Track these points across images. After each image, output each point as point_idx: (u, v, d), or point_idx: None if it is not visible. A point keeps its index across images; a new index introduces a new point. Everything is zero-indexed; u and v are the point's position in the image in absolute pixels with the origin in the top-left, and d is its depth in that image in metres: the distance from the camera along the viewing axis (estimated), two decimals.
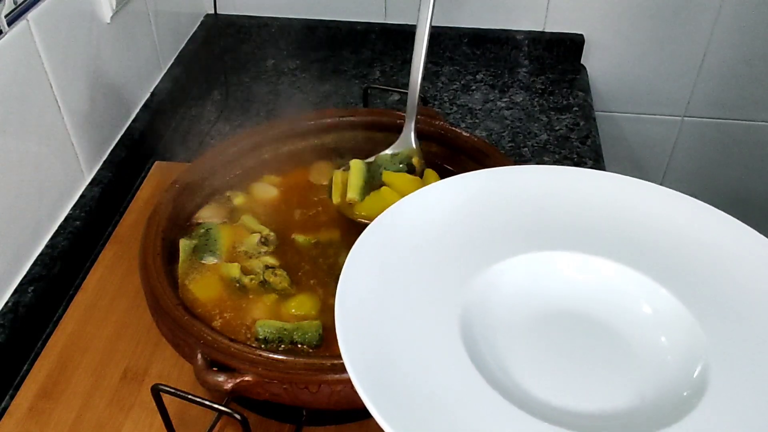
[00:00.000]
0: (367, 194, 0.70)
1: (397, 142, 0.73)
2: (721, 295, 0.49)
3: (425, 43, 0.68)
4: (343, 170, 0.72)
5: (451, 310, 0.47)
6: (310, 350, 0.57)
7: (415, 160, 0.72)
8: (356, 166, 0.71)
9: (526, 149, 0.96)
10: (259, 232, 0.66)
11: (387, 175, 0.70)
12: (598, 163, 0.95)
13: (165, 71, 1.03)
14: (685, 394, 0.44)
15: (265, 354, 0.52)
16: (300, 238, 0.67)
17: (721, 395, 0.42)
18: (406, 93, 0.72)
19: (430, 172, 0.72)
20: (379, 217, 0.54)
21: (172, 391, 0.52)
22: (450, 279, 0.49)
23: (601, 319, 0.50)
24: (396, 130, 0.75)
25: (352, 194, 0.69)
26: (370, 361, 0.43)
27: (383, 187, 0.69)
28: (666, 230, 0.54)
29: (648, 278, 0.50)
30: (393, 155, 0.72)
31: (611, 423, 0.43)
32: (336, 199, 0.69)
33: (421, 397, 0.41)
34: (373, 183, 0.70)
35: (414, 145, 0.72)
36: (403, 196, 0.62)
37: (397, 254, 0.51)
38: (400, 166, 0.71)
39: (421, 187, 0.65)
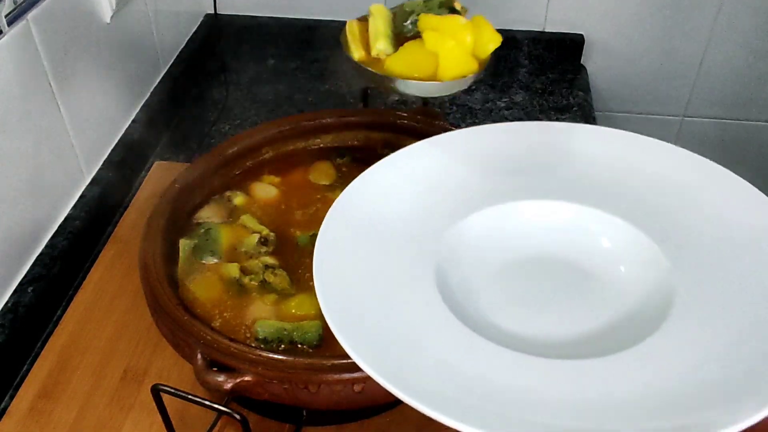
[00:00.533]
0: (397, 48, 0.57)
1: None
2: (683, 222, 0.52)
3: None
4: (358, 20, 0.59)
5: (426, 262, 0.50)
6: (310, 350, 0.57)
7: (456, 4, 0.60)
8: (379, 10, 0.57)
9: None
10: (259, 232, 0.66)
11: (427, 20, 0.56)
12: None
13: (165, 71, 1.03)
14: (648, 317, 0.47)
15: (265, 354, 0.52)
16: (299, 233, 0.67)
17: (684, 317, 0.45)
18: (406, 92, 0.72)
19: (480, 18, 0.59)
20: (350, 184, 0.55)
21: (172, 391, 0.52)
22: (423, 235, 0.52)
23: (566, 257, 0.54)
24: (396, 131, 0.75)
25: (382, 44, 0.56)
26: (348, 310, 0.45)
27: (425, 33, 0.56)
28: (621, 168, 0.56)
29: (605, 213, 0.54)
30: (425, 0, 0.59)
31: (578, 348, 0.46)
32: (357, 52, 0.57)
33: (400, 340, 0.44)
34: (399, 37, 0.57)
35: None
36: (449, 42, 0.53)
37: (370, 217, 0.53)
38: (440, 11, 0.58)
39: (472, 31, 0.56)
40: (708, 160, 0.56)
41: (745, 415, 0.37)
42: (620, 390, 0.41)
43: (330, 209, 0.53)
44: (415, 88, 0.59)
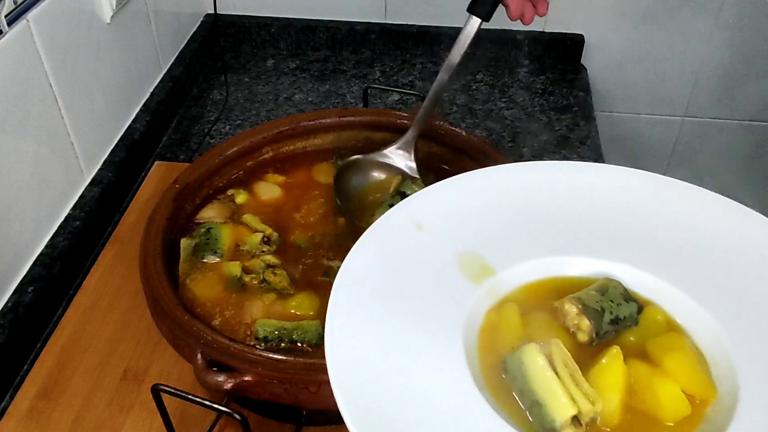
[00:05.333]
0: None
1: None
2: (738, 288, 0.46)
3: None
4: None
5: (454, 339, 0.44)
6: (310, 350, 0.57)
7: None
8: (558, 346, 0.44)
9: (526, 149, 0.96)
10: (262, 232, 0.66)
11: (669, 358, 0.44)
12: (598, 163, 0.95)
13: (165, 71, 1.03)
14: (713, 411, 0.41)
15: (265, 354, 0.52)
16: (300, 237, 0.67)
17: (757, 399, 0.40)
18: (406, 93, 0.72)
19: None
20: (359, 241, 0.48)
21: (172, 391, 0.52)
22: (452, 292, 0.46)
23: None
24: (396, 131, 0.75)
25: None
26: (368, 404, 0.40)
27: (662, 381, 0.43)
28: (676, 225, 0.51)
29: (663, 281, 0.47)
30: (603, 293, 0.48)
31: None
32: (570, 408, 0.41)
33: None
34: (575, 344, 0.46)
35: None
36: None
37: (390, 273, 0.47)
38: (627, 306, 0.48)
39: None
40: (747, 208, 0.50)
41: None
42: None
43: (334, 284, 0.46)
44: None
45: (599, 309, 0.45)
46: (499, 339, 0.45)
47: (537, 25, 1.13)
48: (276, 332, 0.57)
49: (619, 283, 0.47)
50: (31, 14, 0.70)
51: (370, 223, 0.50)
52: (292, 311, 0.60)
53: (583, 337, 0.46)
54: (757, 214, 0.50)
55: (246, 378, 0.51)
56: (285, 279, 0.62)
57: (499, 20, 1.13)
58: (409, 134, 0.72)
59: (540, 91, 1.08)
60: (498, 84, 1.10)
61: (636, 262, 0.48)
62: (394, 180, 0.72)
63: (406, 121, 0.75)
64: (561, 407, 0.40)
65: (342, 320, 0.44)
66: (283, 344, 0.57)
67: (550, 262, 0.49)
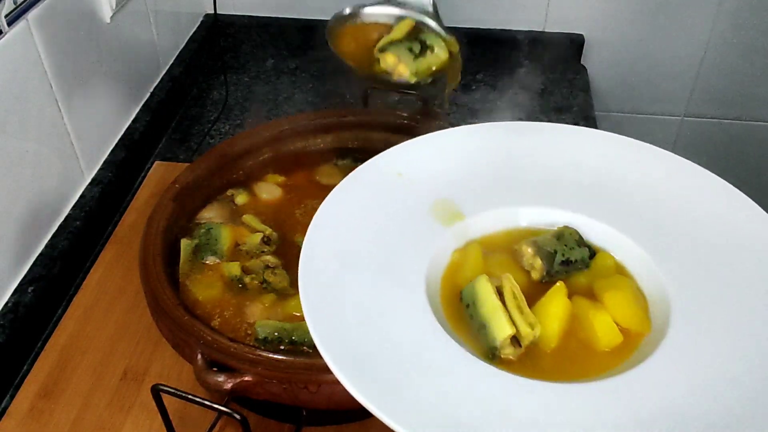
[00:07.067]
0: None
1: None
2: (683, 240, 0.51)
3: None
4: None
5: (419, 271, 0.48)
6: (310, 350, 0.57)
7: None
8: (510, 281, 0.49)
9: None
10: (262, 232, 0.66)
11: (608, 295, 0.49)
12: None
13: (165, 71, 1.03)
14: (647, 336, 0.46)
15: (265, 354, 0.52)
16: (300, 237, 0.67)
17: (683, 334, 0.44)
18: (406, 93, 0.71)
19: (605, 255, 0.53)
20: (331, 193, 0.53)
21: (172, 391, 0.52)
22: (423, 232, 0.51)
23: None
24: (396, 131, 0.75)
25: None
26: (338, 330, 0.44)
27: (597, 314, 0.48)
28: (622, 178, 0.56)
29: (599, 222, 0.53)
30: (559, 238, 0.53)
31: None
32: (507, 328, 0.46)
33: (386, 356, 0.43)
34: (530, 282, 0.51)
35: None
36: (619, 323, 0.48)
37: (360, 220, 0.52)
38: (581, 250, 0.53)
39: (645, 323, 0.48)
40: (698, 166, 0.55)
41: None
42: (616, 415, 0.40)
43: (313, 220, 0.51)
44: None
45: (552, 251, 0.51)
46: (461, 274, 0.51)
47: (537, 25, 1.13)
48: (276, 333, 0.57)
49: (576, 231, 0.53)
50: (31, 14, 0.70)
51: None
52: (293, 312, 0.60)
53: (536, 276, 0.51)
54: (709, 173, 0.55)
55: (246, 378, 0.51)
56: (285, 279, 0.62)
57: (499, 20, 1.13)
58: None
59: (540, 91, 1.08)
60: (498, 84, 1.10)
61: (594, 214, 0.54)
62: (403, 23, 0.65)
63: (406, 122, 0.75)
64: (501, 327, 0.45)
65: (316, 249, 0.49)
66: (282, 345, 0.57)
67: (517, 211, 0.55)
